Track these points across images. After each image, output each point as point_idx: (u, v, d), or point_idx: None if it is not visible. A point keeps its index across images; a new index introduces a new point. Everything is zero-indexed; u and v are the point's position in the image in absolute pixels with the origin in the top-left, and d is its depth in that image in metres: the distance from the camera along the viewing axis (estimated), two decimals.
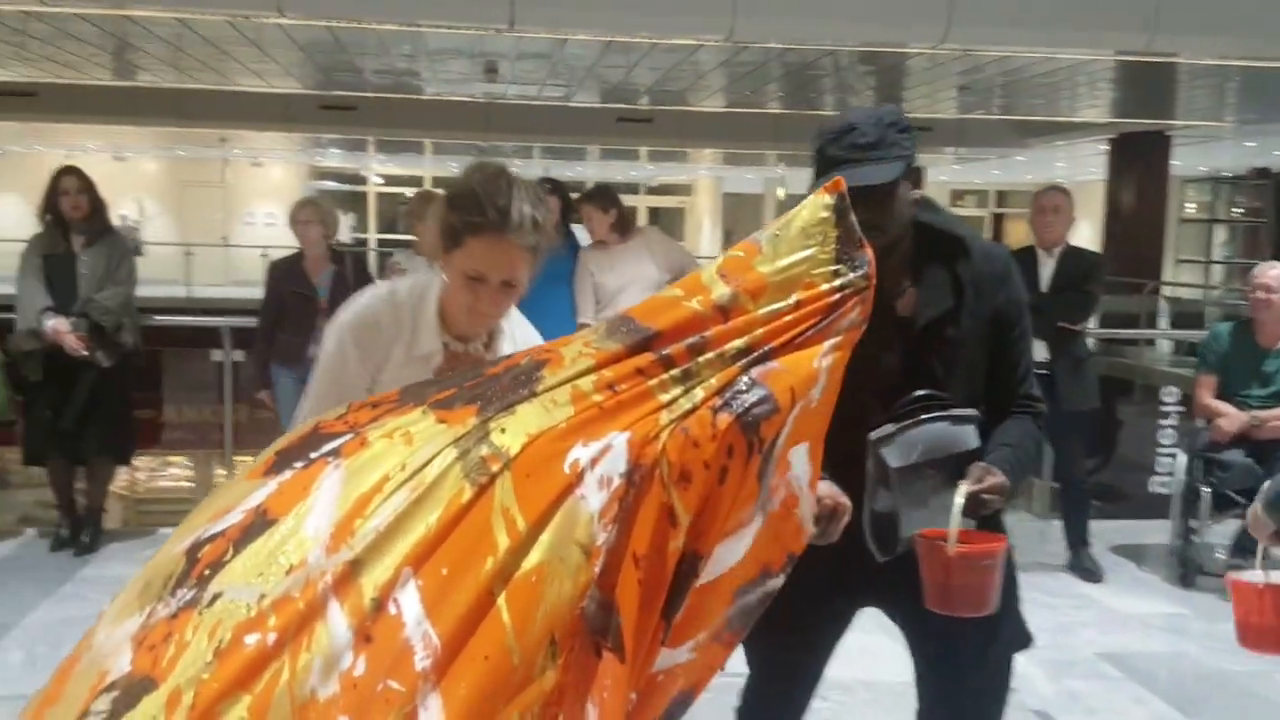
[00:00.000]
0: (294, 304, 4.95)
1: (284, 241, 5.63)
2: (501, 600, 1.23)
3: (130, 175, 20.98)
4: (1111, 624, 4.34)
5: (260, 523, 1.25)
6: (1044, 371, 4.34)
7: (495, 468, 1.28)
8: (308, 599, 1.18)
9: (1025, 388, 2.03)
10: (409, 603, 1.20)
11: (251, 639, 1.16)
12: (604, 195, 5.39)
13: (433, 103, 12.35)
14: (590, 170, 21.50)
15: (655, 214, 26.24)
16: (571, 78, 9.84)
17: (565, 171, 20.41)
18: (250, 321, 5.29)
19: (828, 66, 8.85)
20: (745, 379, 1.43)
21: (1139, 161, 12.73)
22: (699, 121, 13.26)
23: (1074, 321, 4.76)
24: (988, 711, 2.12)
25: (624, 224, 5.40)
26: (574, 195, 5.65)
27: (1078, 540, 4.92)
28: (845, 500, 1.76)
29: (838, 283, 1.49)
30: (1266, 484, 1.96)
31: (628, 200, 25.18)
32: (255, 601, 1.18)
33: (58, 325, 4.59)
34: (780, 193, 24.01)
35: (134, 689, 1.13)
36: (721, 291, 1.46)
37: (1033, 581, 4.66)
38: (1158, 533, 5.17)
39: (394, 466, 1.28)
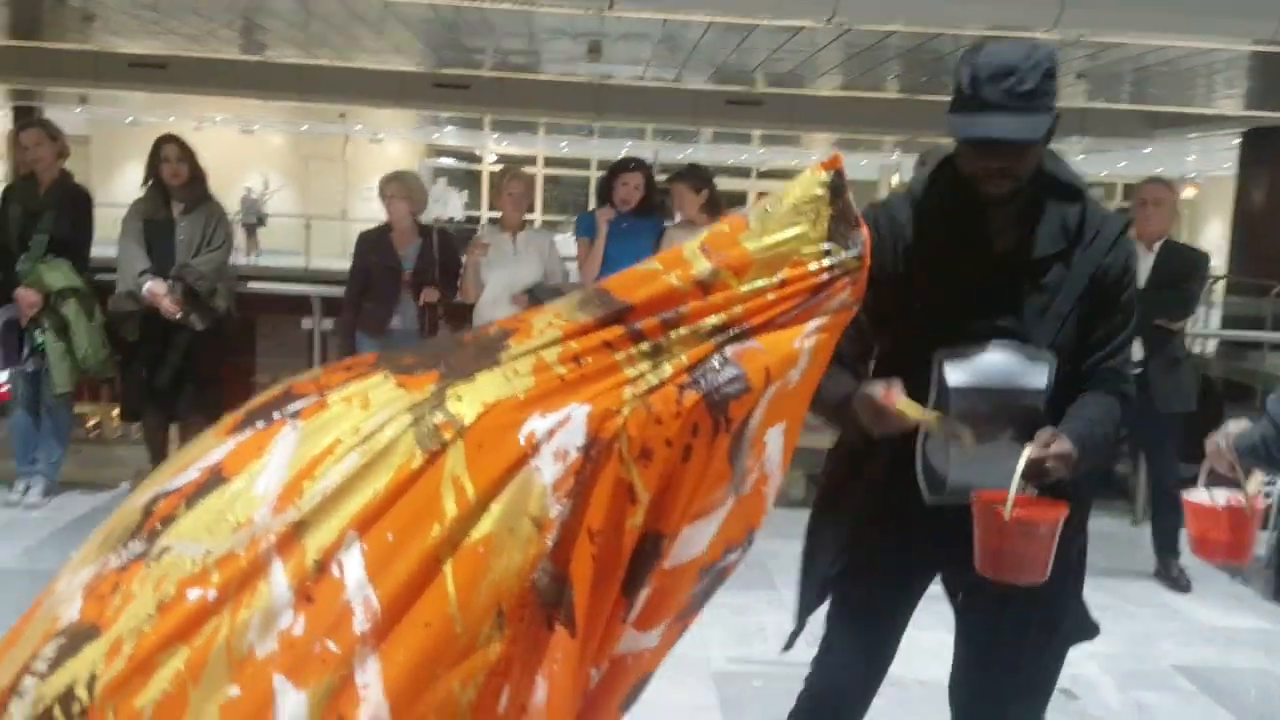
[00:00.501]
0: (380, 275, 5.05)
1: None
2: (448, 568, 1.22)
3: (256, 148, 21.72)
4: (1194, 637, 4.14)
5: (214, 480, 1.27)
6: (1138, 369, 4.17)
7: (448, 435, 1.27)
8: (251, 557, 1.19)
9: (1114, 362, 1.93)
10: (352, 566, 1.20)
11: (194, 594, 1.18)
12: (696, 175, 5.35)
13: (543, 83, 12.45)
14: (701, 153, 21.42)
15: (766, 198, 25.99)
16: (678, 59, 9.79)
17: (675, 154, 20.37)
18: (340, 291, 5.41)
19: (946, 48, 8.59)
20: (718, 357, 1.40)
21: (1271, 157, 12.08)
22: (812, 105, 13.06)
23: (1171, 320, 4.55)
24: (1033, 708, 2.06)
25: (714, 205, 5.35)
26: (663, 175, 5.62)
27: (1167, 548, 4.72)
28: (894, 400, 1.69)
29: (827, 262, 1.45)
30: (1236, 427, 2.08)
31: (738, 184, 25.18)
32: (201, 557, 1.19)
33: (154, 288, 4.77)
34: (895, 180, 23.54)
35: (79, 636, 1.16)
36: (703, 266, 1.43)
37: (1116, 588, 4.53)
38: (1257, 545, 4.92)
39: (347, 430, 1.28)
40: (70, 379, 4.85)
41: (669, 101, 12.71)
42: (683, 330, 1.40)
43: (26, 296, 4.74)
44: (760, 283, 1.43)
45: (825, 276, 1.45)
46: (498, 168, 24.94)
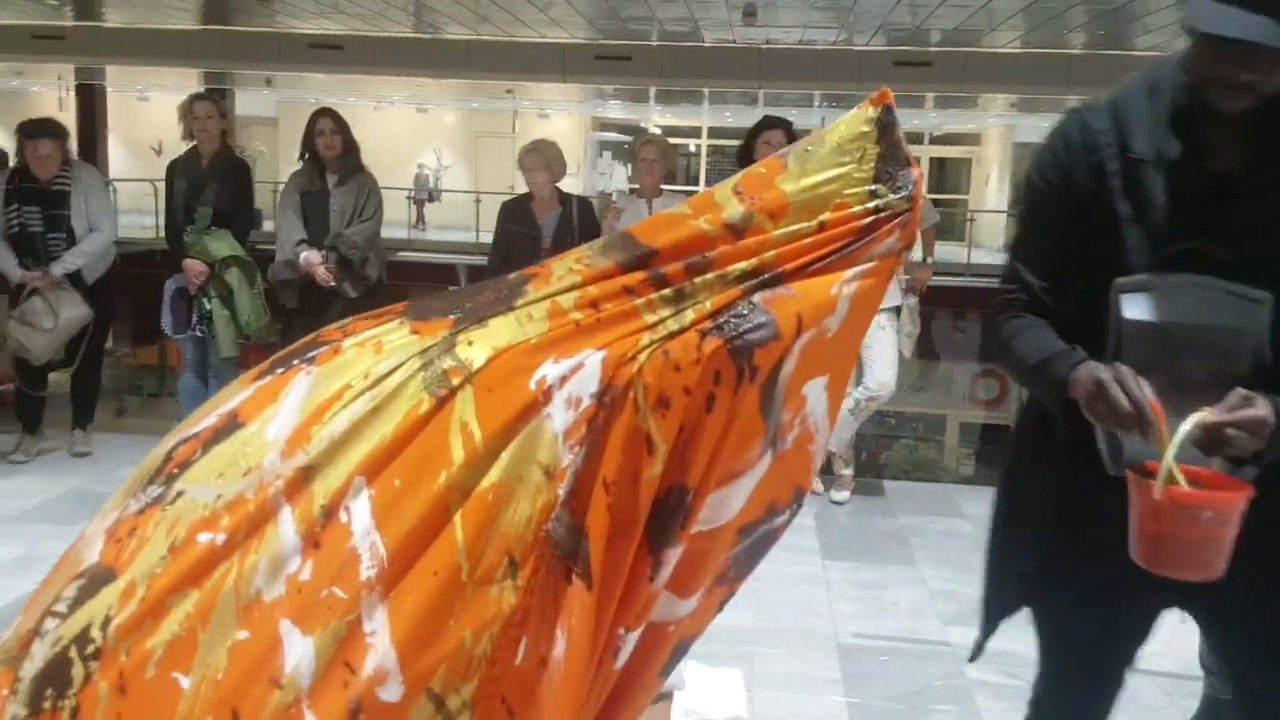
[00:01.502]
0: (520, 244, 5.11)
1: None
2: (456, 516, 1.19)
3: (430, 126, 22.42)
4: None
5: (230, 425, 1.27)
6: None
7: (456, 380, 1.24)
8: (259, 501, 1.19)
9: None
10: (359, 512, 1.18)
11: (204, 537, 1.18)
12: (782, 125, 5.18)
13: (704, 50, 12.33)
14: None
15: (940, 164, 25.15)
16: (843, 19, 9.52)
17: None
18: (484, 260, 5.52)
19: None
20: (746, 303, 1.32)
21: None
22: (986, 63, 12.48)
23: None
24: None
25: None
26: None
27: None
28: (1107, 377, 1.40)
29: (873, 204, 1.35)
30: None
31: (910, 150, 24.33)
32: (212, 501, 1.20)
33: (310, 257, 4.96)
34: None
35: (97, 579, 1.18)
36: (735, 210, 1.35)
37: None
38: None
39: (357, 375, 1.26)
40: (234, 344, 5.10)
41: (833, 64, 12.38)
42: (709, 276, 1.33)
43: (194, 266, 5.01)
44: (797, 226, 1.34)
45: (869, 219, 1.35)
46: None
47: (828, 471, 5.50)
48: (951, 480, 6.95)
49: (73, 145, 5.39)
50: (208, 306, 5.06)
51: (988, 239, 19.16)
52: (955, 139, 24.86)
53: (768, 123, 5.27)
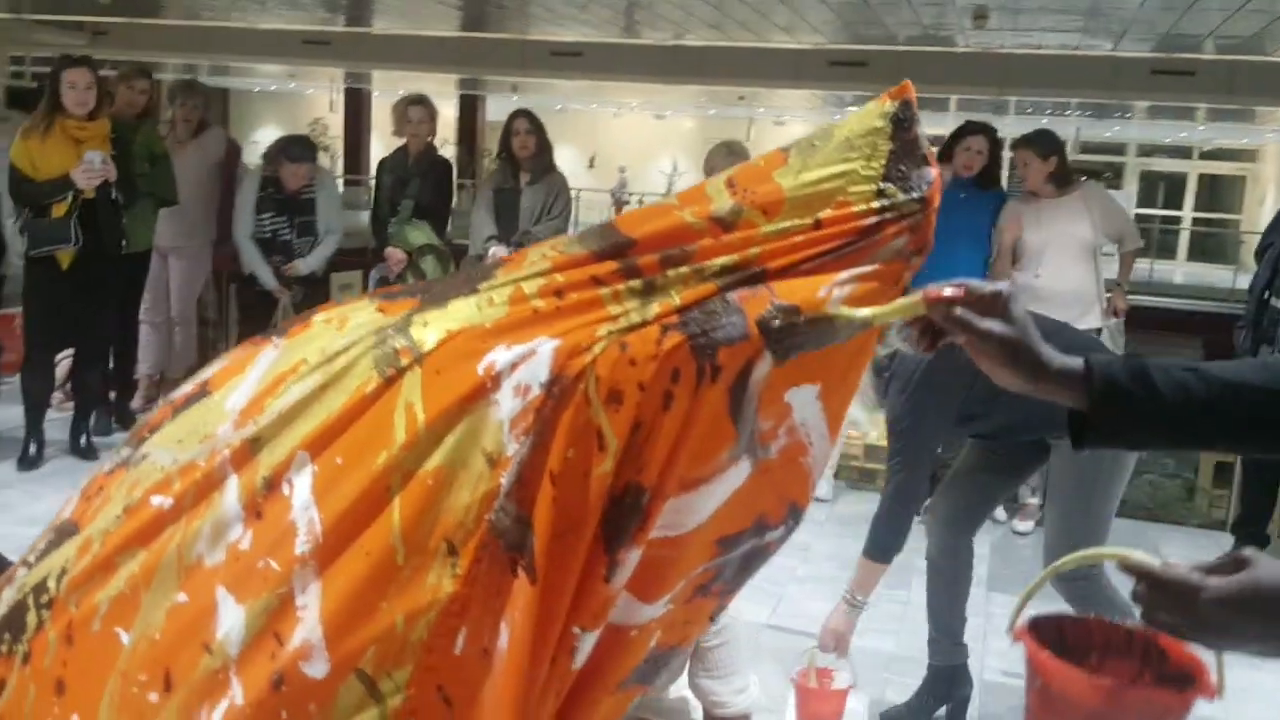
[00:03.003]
0: None
1: None
2: (396, 499, 1.18)
3: (667, 133, 22.77)
4: None
5: (200, 393, 1.32)
6: None
7: (405, 361, 1.23)
8: (208, 469, 1.22)
9: None
10: (300, 486, 1.19)
11: (156, 500, 1.22)
12: (1045, 140, 4.90)
13: (944, 55, 11.91)
14: (1132, 130, 19.59)
15: (1210, 182, 23.26)
16: (1087, 22, 8.97)
17: (1103, 132, 18.77)
18: None
19: None
20: (719, 299, 1.24)
21: None
22: (1258, 73, 11.45)
23: None
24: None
25: (1064, 175, 4.88)
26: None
27: None
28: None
29: (878, 204, 1.25)
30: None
31: (1177, 165, 22.67)
32: (168, 465, 1.24)
33: (497, 252, 5.13)
34: None
35: (62, 533, 1.25)
36: (724, 203, 1.27)
37: None
38: None
39: (314, 350, 1.27)
40: None
41: (1084, 70, 11.67)
42: (684, 269, 1.26)
43: (394, 254, 5.30)
44: (790, 223, 1.25)
45: (874, 220, 1.25)
46: None
47: (1013, 500, 5.18)
48: (1199, 524, 6.22)
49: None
50: None
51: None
52: (1227, 154, 22.89)
53: (969, 128, 5.05)
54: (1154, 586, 1.01)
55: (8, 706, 1.17)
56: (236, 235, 5.29)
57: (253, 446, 1.23)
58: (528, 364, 1.21)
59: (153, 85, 5.41)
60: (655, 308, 1.25)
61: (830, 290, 1.24)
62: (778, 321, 1.23)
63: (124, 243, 4.76)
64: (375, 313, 1.33)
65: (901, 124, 1.28)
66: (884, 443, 3.43)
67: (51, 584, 1.20)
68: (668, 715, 2.27)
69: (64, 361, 5.21)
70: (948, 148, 4.95)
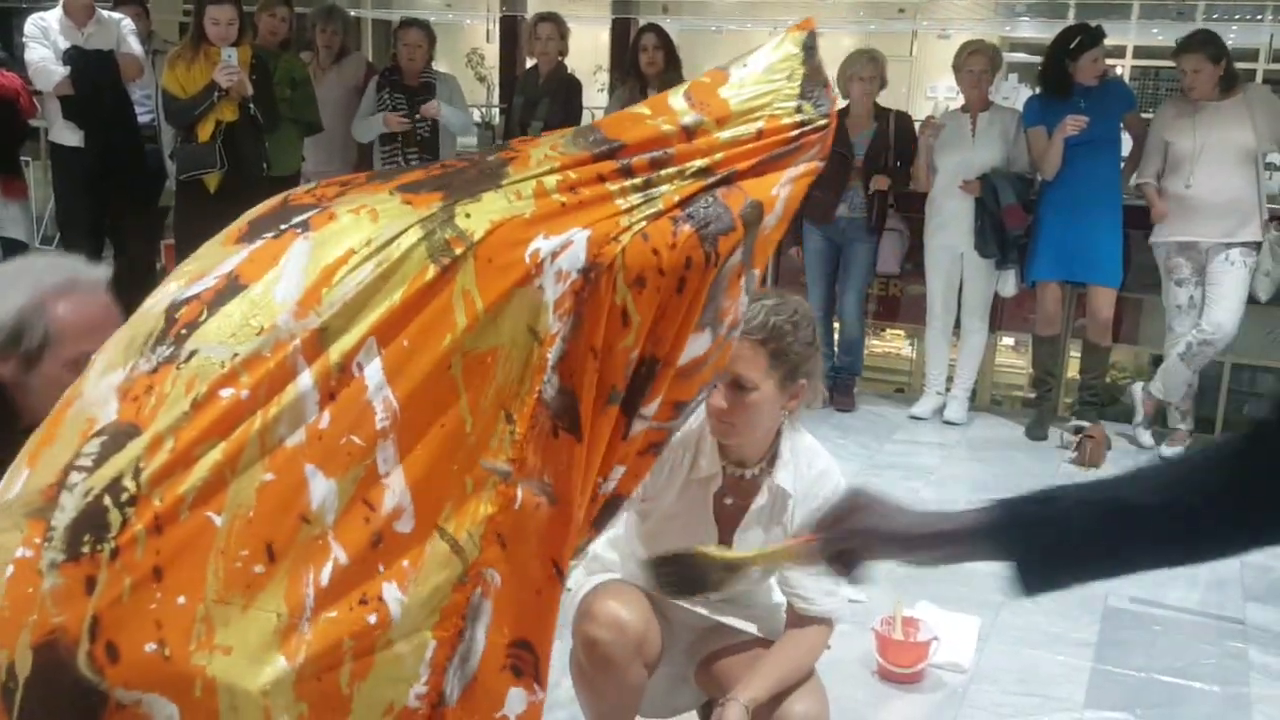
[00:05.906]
0: (829, 161, 4.94)
1: None
2: (458, 375, 1.32)
3: (826, 49, 22.02)
4: None
5: (232, 287, 1.35)
6: None
7: (459, 250, 1.33)
8: (278, 359, 1.28)
9: None
10: (372, 369, 1.30)
11: (226, 392, 1.27)
12: (1213, 43, 4.55)
13: None
14: None
15: None
16: None
17: None
18: None
19: None
20: (707, 196, 1.46)
21: None
22: None
23: None
24: None
25: (1230, 80, 4.54)
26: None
27: None
28: None
29: (798, 118, 1.52)
30: None
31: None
32: (229, 359, 1.29)
33: None
34: None
35: (120, 434, 1.28)
36: (689, 115, 1.50)
37: None
38: None
39: (359, 241, 1.34)
40: None
41: None
42: (669, 170, 1.46)
43: None
44: (738, 131, 1.50)
45: (796, 132, 1.52)
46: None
47: (1162, 424, 4.92)
48: None
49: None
50: None
51: None
52: None
53: (1093, 39, 4.75)
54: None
55: (103, 602, 1.22)
56: (355, 127, 5.44)
57: (320, 336, 1.30)
58: (567, 252, 1.36)
59: (292, 13, 5.55)
60: (660, 203, 1.43)
61: (780, 189, 1.50)
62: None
63: (266, 166, 4.95)
64: (403, 204, 1.40)
65: (809, 51, 1.56)
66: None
67: (128, 483, 1.24)
68: (763, 617, 2.28)
69: None
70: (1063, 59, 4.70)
